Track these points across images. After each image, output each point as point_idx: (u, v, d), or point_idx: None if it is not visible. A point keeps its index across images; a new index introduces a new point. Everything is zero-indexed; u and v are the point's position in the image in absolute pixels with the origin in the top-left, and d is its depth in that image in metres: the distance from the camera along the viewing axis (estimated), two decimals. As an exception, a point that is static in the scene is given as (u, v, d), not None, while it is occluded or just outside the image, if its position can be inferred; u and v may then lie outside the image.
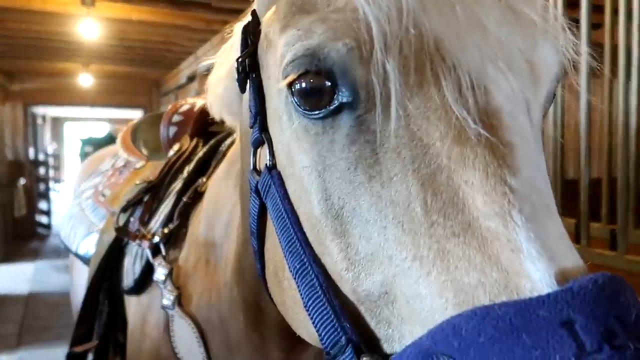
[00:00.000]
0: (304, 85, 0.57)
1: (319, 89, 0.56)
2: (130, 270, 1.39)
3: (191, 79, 8.10)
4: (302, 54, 0.56)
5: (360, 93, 0.55)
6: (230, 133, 1.39)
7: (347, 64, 0.54)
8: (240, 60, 0.72)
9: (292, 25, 0.60)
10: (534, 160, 0.53)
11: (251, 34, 0.72)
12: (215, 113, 1.10)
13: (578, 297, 0.42)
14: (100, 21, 6.16)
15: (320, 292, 0.56)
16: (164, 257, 1.28)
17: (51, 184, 13.47)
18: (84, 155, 11.20)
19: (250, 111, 0.72)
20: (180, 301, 1.20)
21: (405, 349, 0.48)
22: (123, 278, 1.44)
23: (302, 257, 0.59)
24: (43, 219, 11.17)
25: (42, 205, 11.47)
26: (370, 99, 0.55)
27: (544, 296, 0.43)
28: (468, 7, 0.53)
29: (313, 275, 0.58)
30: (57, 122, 19.68)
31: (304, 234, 0.60)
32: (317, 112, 0.57)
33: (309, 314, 0.57)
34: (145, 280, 1.33)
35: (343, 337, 0.54)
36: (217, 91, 1.00)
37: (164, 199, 1.44)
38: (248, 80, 0.73)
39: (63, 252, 8.31)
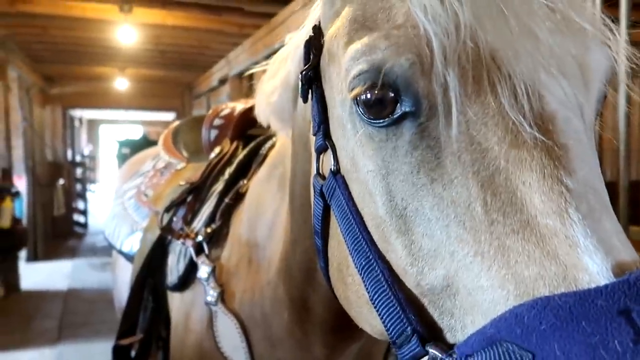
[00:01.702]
0: (369, 96, 0.60)
1: (383, 100, 0.60)
2: (174, 267, 1.45)
3: (223, 81, 8.24)
4: (368, 69, 0.60)
5: (422, 102, 0.59)
6: (270, 136, 1.43)
7: (409, 77, 0.58)
8: (304, 72, 0.77)
9: (355, 41, 0.64)
10: (589, 160, 0.56)
11: (314, 48, 0.77)
12: (264, 119, 1.15)
13: (635, 288, 0.44)
14: (136, 27, 6.35)
15: (385, 286, 0.60)
16: (207, 256, 1.33)
17: (87, 184, 13.90)
18: (121, 157, 11.52)
19: (314, 120, 0.77)
20: (223, 298, 1.25)
21: (470, 337, 0.51)
22: (167, 275, 1.50)
23: (368, 254, 0.63)
24: (80, 218, 11.54)
25: (79, 205, 11.85)
26: (431, 108, 0.59)
27: (602, 287, 0.45)
28: (521, 20, 0.57)
29: (379, 271, 0.62)
30: (92, 125, 20.30)
31: (368, 232, 0.65)
32: (381, 121, 0.61)
33: (375, 307, 0.61)
34: (188, 277, 1.39)
35: (409, 328, 0.58)
36: (271, 99, 1.04)
37: (206, 200, 1.50)
38: (310, 91, 0.78)
39: (99, 250, 8.59)
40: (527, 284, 0.49)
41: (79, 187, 12.19)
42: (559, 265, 0.49)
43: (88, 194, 13.03)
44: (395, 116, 0.60)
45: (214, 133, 1.69)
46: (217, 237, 1.37)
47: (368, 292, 0.63)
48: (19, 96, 7.95)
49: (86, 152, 16.10)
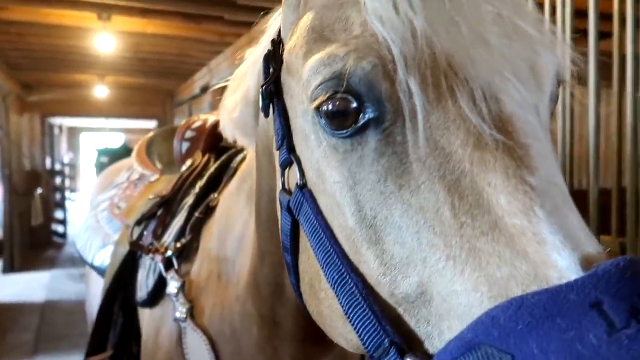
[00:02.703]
0: (331, 107, 0.61)
1: (346, 109, 0.60)
2: (144, 283, 1.43)
3: (204, 90, 8.21)
4: (329, 77, 0.60)
5: (386, 106, 0.59)
6: (241, 149, 1.42)
7: (372, 80, 0.59)
8: (264, 86, 0.76)
9: (315, 52, 0.64)
10: (549, 158, 0.57)
11: (273, 62, 0.77)
12: (229, 135, 1.15)
13: (603, 280, 0.45)
14: (116, 35, 6.29)
15: (360, 299, 0.59)
16: (177, 271, 1.32)
17: (67, 193, 13.67)
18: (100, 166, 11.36)
19: (277, 134, 0.76)
20: (192, 314, 1.24)
21: (448, 344, 0.51)
22: (137, 290, 1.48)
23: (340, 267, 0.62)
24: (59, 228, 11.33)
25: (58, 214, 11.65)
26: (395, 112, 0.59)
27: (572, 282, 0.46)
28: (472, 26, 0.59)
29: (352, 284, 0.61)
30: (73, 133, 20.01)
31: (339, 245, 0.64)
32: (345, 131, 0.61)
33: (351, 321, 0.60)
34: (158, 293, 1.37)
35: (386, 340, 0.57)
36: (233, 115, 1.04)
37: (176, 214, 1.48)
38: (272, 105, 0.77)
39: (78, 261, 8.40)
40: (500, 285, 0.50)
41: (58, 196, 11.99)
42: (530, 264, 0.49)
43: (68, 203, 12.81)
44: (359, 125, 0.60)
45: (185, 145, 1.68)
46: (187, 252, 1.36)
47: (342, 306, 0.62)
48: (-4, 104, 7.81)
49: (66, 160, 15.84)
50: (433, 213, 0.55)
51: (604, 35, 2.30)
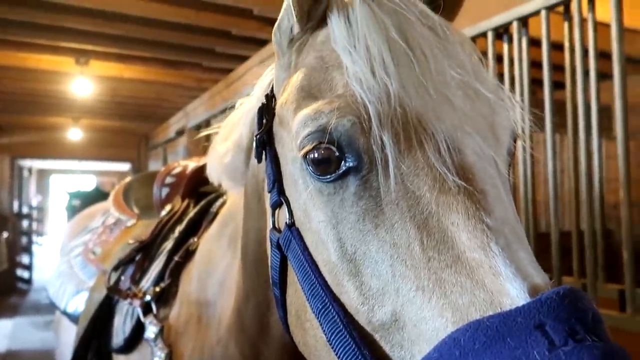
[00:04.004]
0: (316, 155, 0.69)
1: (329, 157, 0.68)
2: (121, 328, 1.42)
3: (180, 133, 8.25)
4: (315, 130, 0.69)
5: (363, 158, 0.68)
6: (220, 194, 1.46)
7: (351, 136, 0.67)
8: (258, 135, 0.85)
9: (303, 107, 0.73)
10: (504, 201, 0.66)
11: (266, 113, 0.86)
12: (215, 178, 1.20)
13: (546, 305, 0.53)
14: (93, 79, 6.35)
15: (341, 327, 0.66)
16: (155, 315, 1.32)
17: (34, 237, 13.25)
18: (72, 209, 11.09)
19: (269, 178, 0.83)
20: (171, 358, 1.24)
21: None
22: (113, 337, 1.47)
23: (324, 298, 0.69)
24: (24, 274, 10.91)
25: (24, 259, 11.24)
26: (371, 162, 0.67)
27: (520, 307, 0.53)
28: (438, 88, 0.68)
29: (334, 313, 0.67)
30: (43, 175, 19.60)
31: (323, 278, 0.70)
32: (328, 177, 0.69)
33: (333, 347, 0.66)
34: (135, 338, 1.36)
35: None
36: (224, 160, 1.10)
37: (155, 258, 1.50)
38: (264, 152, 0.86)
39: (43, 308, 8.10)
40: (462, 311, 0.57)
41: (24, 240, 11.61)
42: (487, 292, 0.57)
43: (34, 247, 12.40)
44: (340, 171, 0.68)
45: (165, 191, 1.70)
46: (165, 296, 1.36)
47: (325, 334, 0.67)
48: (-36, 146, 7.65)
49: (34, 203, 15.45)
50: (405, 248, 0.63)
51: (557, 85, 2.47)
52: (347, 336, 0.64)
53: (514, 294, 0.55)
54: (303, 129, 0.70)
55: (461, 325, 0.55)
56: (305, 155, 0.70)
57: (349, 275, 0.67)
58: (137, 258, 1.53)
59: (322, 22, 0.80)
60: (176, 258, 1.39)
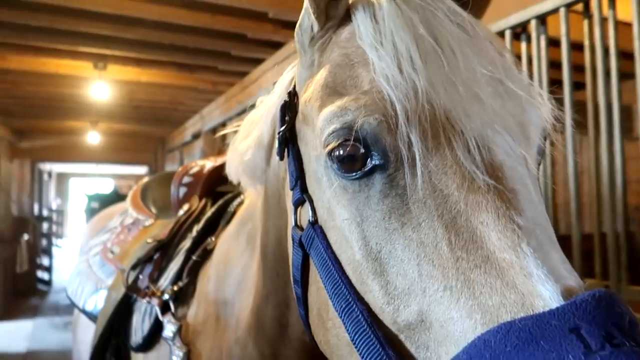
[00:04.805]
0: (342, 152, 0.68)
1: (354, 155, 0.67)
2: (139, 327, 1.43)
3: (196, 136, 8.32)
4: (341, 127, 0.68)
5: (389, 156, 0.67)
6: (238, 194, 1.47)
7: (378, 134, 0.66)
8: (280, 132, 0.84)
9: (328, 104, 0.72)
10: (534, 202, 0.64)
11: (289, 111, 0.85)
12: (234, 176, 1.20)
13: (581, 308, 0.51)
14: (110, 83, 6.44)
15: (365, 326, 0.64)
16: (173, 314, 1.33)
17: (54, 239, 13.46)
18: (90, 211, 11.26)
19: (291, 175, 0.83)
20: (189, 358, 1.24)
21: None
22: (131, 335, 1.47)
23: (347, 297, 0.67)
24: (44, 275, 11.08)
25: (44, 261, 11.42)
26: (398, 160, 0.66)
27: (554, 309, 0.52)
28: (468, 86, 0.67)
29: (358, 312, 0.66)
30: (62, 178, 19.93)
31: (346, 276, 0.69)
32: (353, 174, 0.68)
33: (356, 347, 0.65)
34: (153, 337, 1.37)
35: None
36: (245, 158, 1.09)
37: (173, 257, 1.50)
38: (286, 149, 0.85)
39: (62, 309, 8.21)
40: (491, 312, 0.55)
41: (44, 242, 11.80)
42: (518, 294, 0.55)
43: (54, 250, 12.59)
44: (366, 169, 0.67)
45: (182, 190, 1.71)
46: (183, 295, 1.37)
47: (348, 333, 0.66)
48: (-14, 150, 7.82)
49: (54, 206, 15.71)
50: (432, 247, 0.62)
51: (576, 85, 2.43)
52: (372, 336, 0.63)
53: (546, 296, 0.54)
54: (328, 126, 0.69)
55: (491, 326, 0.54)
56: (330, 153, 0.69)
57: (373, 274, 0.66)
58: (156, 257, 1.54)
59: (344, 20, 0.79)
60: (194, 257, 1.39)
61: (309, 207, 0.77)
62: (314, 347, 0.99)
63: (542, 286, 0.55)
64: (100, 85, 6.25)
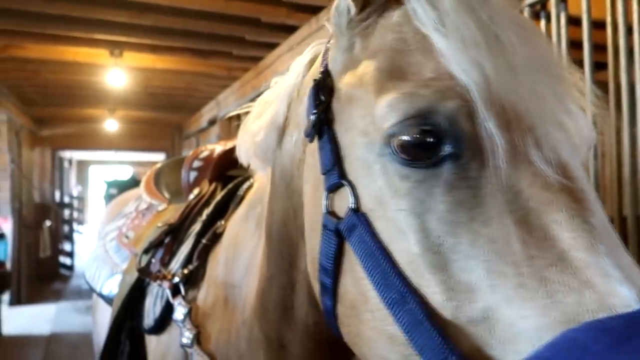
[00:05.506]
0: (408, 139, 0.64)
1: (424, 143, 0.64)
2: (151, 310, 1.45)
3: (212, 122, 8.35)
4: (412, 114, 0.64)
5: (465, 145, 0.63)
6: (248, 177, 1.46)
7: (455, 119, 0.63)
8: (316, 114, 0.80)
9: (390, 89, 0.68)
10: (599, 204, 0.63)
11: (325, 90, 0.81)
12: (245, 158, 1.16)
13: None
14: (127, 70, 6.48)
15: (422, 317, 0.62)
16: (183, 297, 1.34)
17: (75, 225, 13.75)
18: (109, 197, 11.46)
19: (324, 158, 0.78)
20: (199, 339, 1.25)
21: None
22: (144, 318, 1.49)
23: (400, 288, 0.64)
24: (66, 261, 11.35)
25: (66, 246, 11.69)
26: (473, 150, 0.63)
27: None
28: (531, 80, 0.65)
29: (414, 304, 0.63)
30: (82, 165, 20.28)
31: (398, 268, 0.66)
32: (419, 163, 0.64)
33: (413, 340, 0.62)
34: (165, 319, 1.38)
35: (452, 357, 0.59)
36: (257, 139, 1.05)
37: (183, 241, 1.51)
38: (320, 131, 0.80)
39: (84, 293, 8.42)
40: (569, 311, 0.54)
41: (66, 228, 12.06)
42: (596, 293, 0.54)
43: (75, 236, 12.87)
44: (436, 158, 0.63)
45: (193, 175, 1.71)
46: (193, 278, 1.37)
47: (401, 324, 0.63)
48: (8, 138, 7.98)
49: (75, 193, 16.01)
50: (503, 244, 0.59)
51: (597, 65, 2.36)
52: (432, 329, 0.60)
53: (627, 296, 0.53)
54: (391, 112, 0.65)
55: (571, 326, 0.53)
56: (389, 139, 0.66)
57: (432, 267, 0.62)
58: (167, 241, 1.55)
59: (388, 3, 0.76)
60: (204, 241, 1.39)
61: (350, 194, 0.72)
62: (318, 333, 0.98)
63: (621, 287, 0.54)
64: (117, 72, 6.29)
